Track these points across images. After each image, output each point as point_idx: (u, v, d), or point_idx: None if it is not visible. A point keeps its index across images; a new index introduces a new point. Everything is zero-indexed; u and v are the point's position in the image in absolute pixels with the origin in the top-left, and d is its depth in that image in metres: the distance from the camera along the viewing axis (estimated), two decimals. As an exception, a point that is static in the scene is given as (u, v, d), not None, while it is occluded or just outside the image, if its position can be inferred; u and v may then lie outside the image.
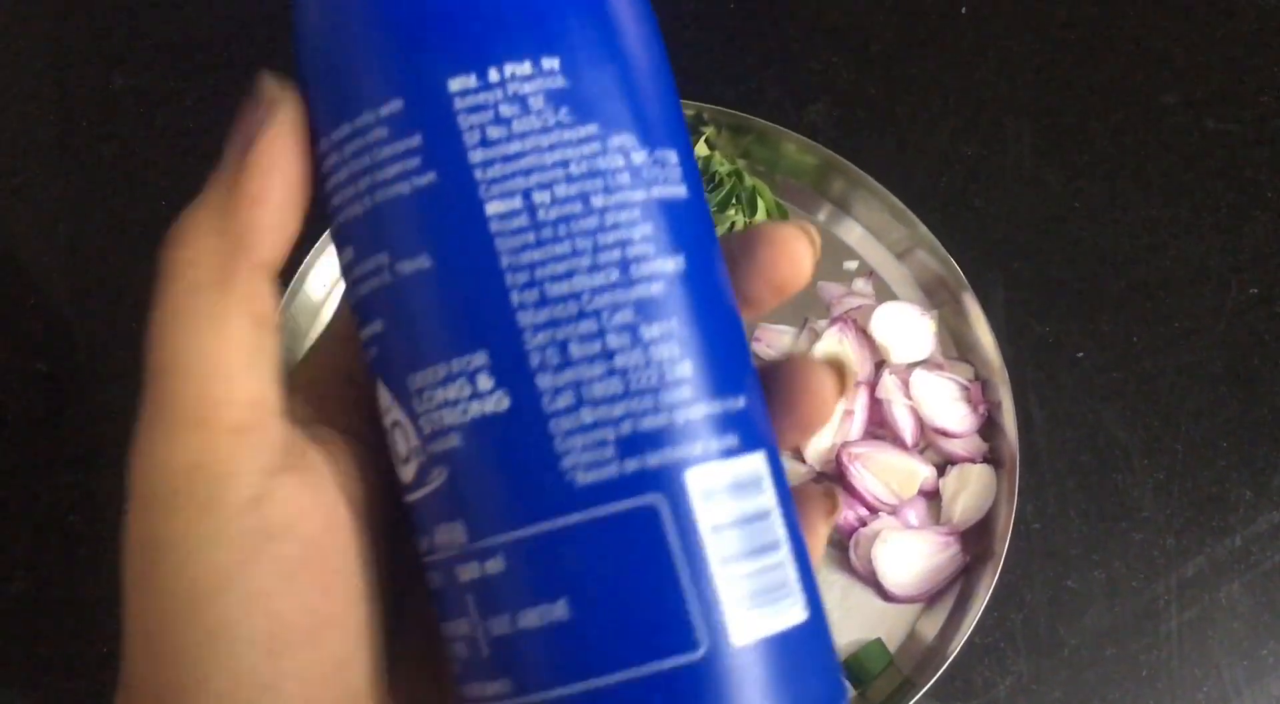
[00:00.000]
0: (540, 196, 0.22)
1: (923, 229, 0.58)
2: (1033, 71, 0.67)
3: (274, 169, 0.23)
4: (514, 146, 0.22)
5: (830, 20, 0.68)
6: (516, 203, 0.22)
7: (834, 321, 0.58)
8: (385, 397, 0.23)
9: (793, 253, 0.25)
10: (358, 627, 0.23)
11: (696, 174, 0.24)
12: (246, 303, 0.22)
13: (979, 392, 0.56)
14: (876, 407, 0.56)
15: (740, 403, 0.23)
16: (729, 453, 0.22)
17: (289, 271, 0.56)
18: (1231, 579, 0.56)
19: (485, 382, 0.21)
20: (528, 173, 0.22)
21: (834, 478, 0.55)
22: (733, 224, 0.57)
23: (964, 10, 0.68)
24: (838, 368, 0.26)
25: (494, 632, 0.22)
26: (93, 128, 0.65)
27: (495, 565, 0.21)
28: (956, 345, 0.58)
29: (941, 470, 0.56)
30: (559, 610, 0.21)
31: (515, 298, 0.21)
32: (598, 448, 0.21)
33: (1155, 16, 0.68)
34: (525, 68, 0.22)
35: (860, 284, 0.60)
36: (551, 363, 0.21)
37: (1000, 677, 0.54)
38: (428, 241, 0.22)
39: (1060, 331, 0.60)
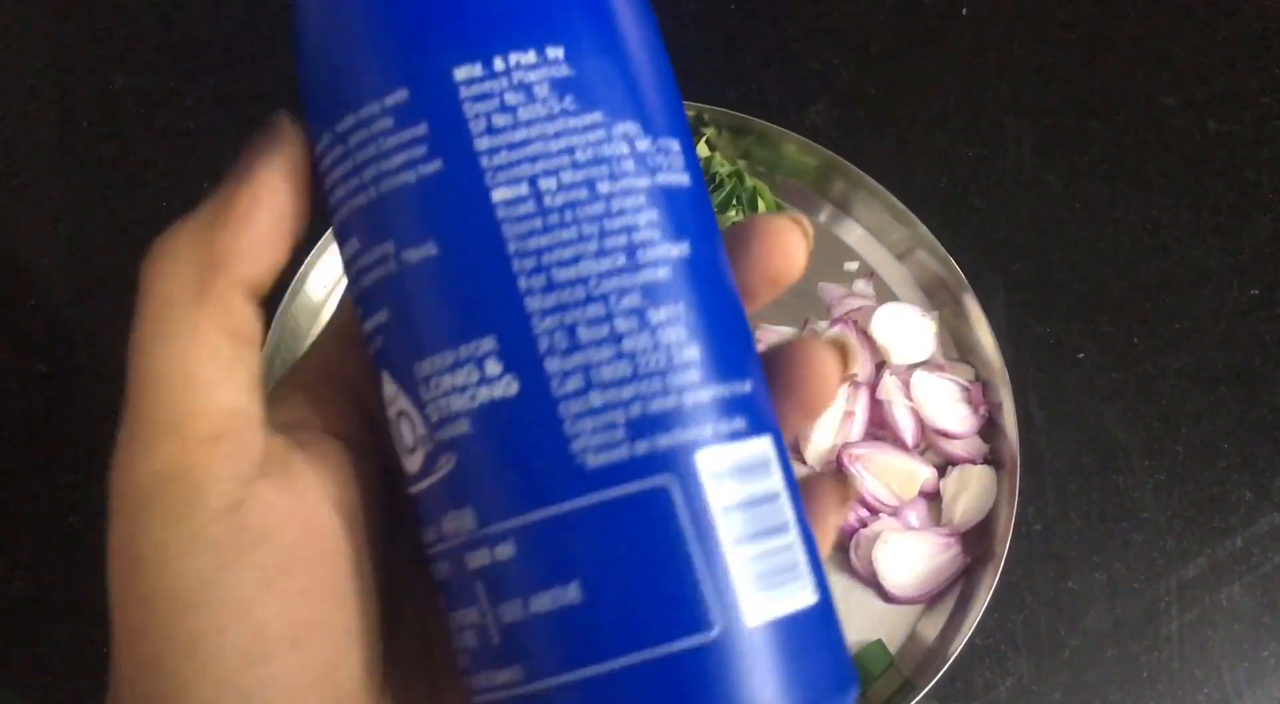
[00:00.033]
0: (546, 183, 0.22)
1: (923, 230, 0.58)
2: (1033, 72, 0.67)
3: (265, 196, 0.23)
4: (520, 134, 0.22)
5: (831, 21, 0.68)
6: (523, 189, 0.22)
7: (834, 322, 0.58)
8: (390, 387, 0.23)
9: (786, 245, 0.25)
10: (344, 632, 0.23)
11: (698, 165, 0.24)
12: (223, 317, 0.23)
13: (979, 393, 0.56)
14: (877, 408, 0.56)
15: (747, 387, 0.23)
16: (737, 435, 0.22)
17: (289, 272, 0.56)
18: (1232, 581, 0.56)
19: (494, 366, 0.22)
20: (534, 160, 0.22)
21: (834, 478, 0.55)
22: (733, 225, 0.57)
23: (964, 11, 0.68)
24: (841, 348, 0.26)
25: (505, 618, 0.21)
26: (93, 128, 0.65)
27: (506, 550, 0.21)
28: (957, 346, 0.58)
29: (942, 471, 0.56)
30: (571, 594, 0.21)
31: (523, 283, 0.22)
32: (608, 430, 0.21)
33: (1156, 17, 0.68)
34: (530, 57, 0.22)
35: (861, 285, 0.60)
36: (560, 347, 0.21)
37: (1001, 678, 0.54)
38: (434, 229, 0.22)
39: (1061, 332, 0.60)
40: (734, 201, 0.59)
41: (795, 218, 0.26)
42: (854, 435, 0.56)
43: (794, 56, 0.66)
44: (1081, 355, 0.60)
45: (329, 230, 0.24)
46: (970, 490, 0.54)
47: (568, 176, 0.22)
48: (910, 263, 0.60)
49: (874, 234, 0.61)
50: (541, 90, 0.22)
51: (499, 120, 0.22)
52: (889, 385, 0.56)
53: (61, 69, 0.66)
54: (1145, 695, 0.54)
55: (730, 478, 0.22)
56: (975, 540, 0.54)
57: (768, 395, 0.24)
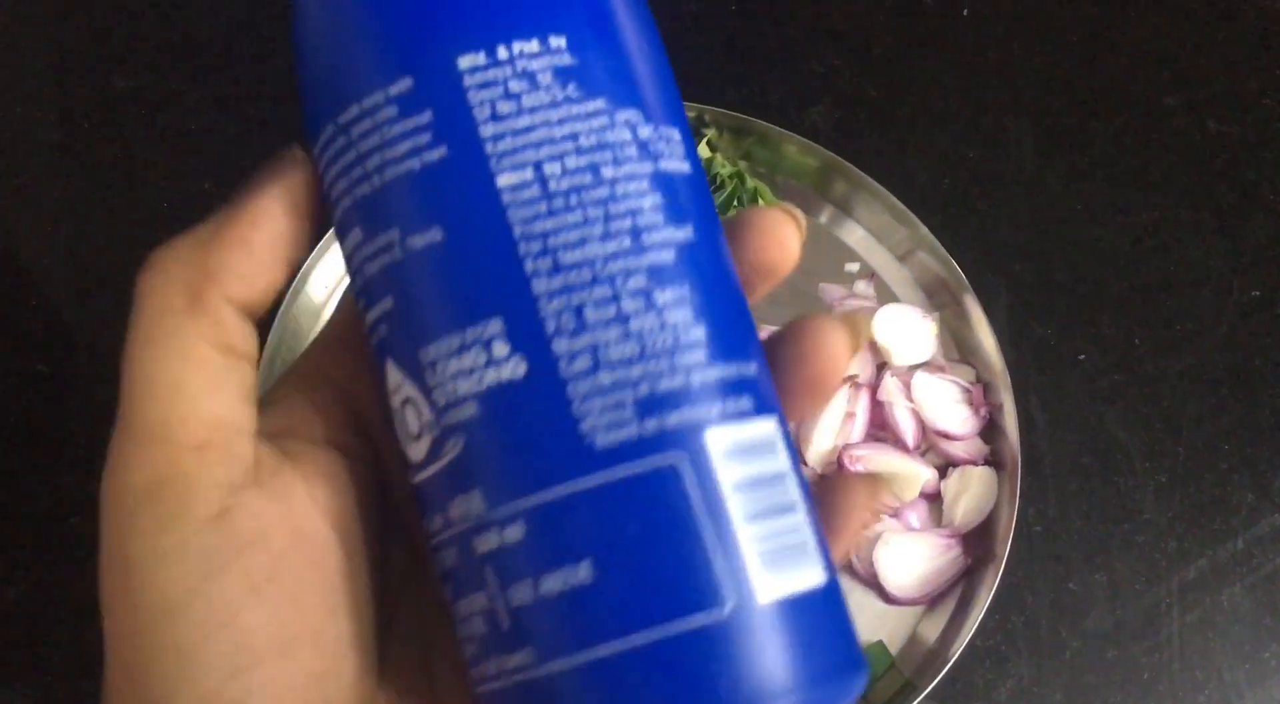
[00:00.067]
0: (551, 168, 0.22)
1: (924, 231, 0.58)
2: (1034, 73, 0.67)
3: (266, 219, 0.23)
4: (524, 121, 0.22)
5: (832, 22, 0.68)
6: (528, 174, 0.22)
7: (835, 323, 0.58)
8: (395, 375, 0.23)
9: (780, 236, 0.25)
10: (334, 639, 0.23)
11: (696, 154, 0.25)
12: (214, 330, 0.23)
13: (980, 394, 0.56)
14: (878, 409, 0.56)
15: (752, 369, 0.23)
16: (744, 415, 0.22)
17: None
18: (1233, 582, 0.56)
19: (501, 348, 0.22)
20: (538, 145, 0.22)
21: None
22: (726, 218, 0.57)
23: (965, 12, 0.68)
24: (850, 325, 0.26)
25: (515, 601, 0.21)
26: (94, 129, 0.65)
27: (515, 532, 0.21)
28: (958, 347, 0.58)
29: (943, 473, 0.56)
30: (582, 573, 0.21)
31: (529, 266, 0.22)
32: (617, 409, 0.21)
33: (1157, 18, 0.68)
34: (533, 45, 0.22)
35: (862, 286, 0.60)
36: (568, 327, 0.22)
37: (1001, 679, 0.54)
38: (439, 215, 0.22)
39: (1062, 334, 0.60)
40: (735, 202, 0.59)
41: (787, 208, 0.26)
42: (855, 437, 0.56)
43: (795, 58, 0.66)
44: (1082, 356, 0.60)
45: (329, 231, 0.24)
46: (971, 492, 0.54)
47: (572, 162, 0.22)
48: (911, 264, 0.60)
49: (875, 235, 0.61)
50: (545, 78, 0.22)
51: (503, 107, 0.22)
52: (890, 387, 0.56)
53: (62, 69, 0.66)
54: (1146, 697, 0.54)
55: (739, 456, 0.22)
56: (976, 542, 0.54)
57: (770, 380, 0.24)
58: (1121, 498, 0.57)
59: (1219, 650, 0.55)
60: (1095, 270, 0.62)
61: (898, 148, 0.64)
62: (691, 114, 0.60)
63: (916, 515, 0.55)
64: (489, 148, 0.22)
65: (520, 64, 0.22)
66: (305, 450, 0.24)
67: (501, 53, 0.22)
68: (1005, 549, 0.52)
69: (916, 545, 0.54)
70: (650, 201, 0.23)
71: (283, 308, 0.56)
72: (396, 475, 0.26)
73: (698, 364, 0.22)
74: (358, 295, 0.24)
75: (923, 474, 0.55)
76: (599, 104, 0.23)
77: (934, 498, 0.56)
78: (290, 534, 0.23)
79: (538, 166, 0.22)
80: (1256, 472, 0.58)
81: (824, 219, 0.61)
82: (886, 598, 0.54)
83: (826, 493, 0.26)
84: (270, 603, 0.22)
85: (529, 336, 0.22)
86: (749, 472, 0.22)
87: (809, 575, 0.22)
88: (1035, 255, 0.62)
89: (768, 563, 0.21)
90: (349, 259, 0.24)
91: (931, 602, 0.54)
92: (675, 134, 0.24)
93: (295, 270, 0.24)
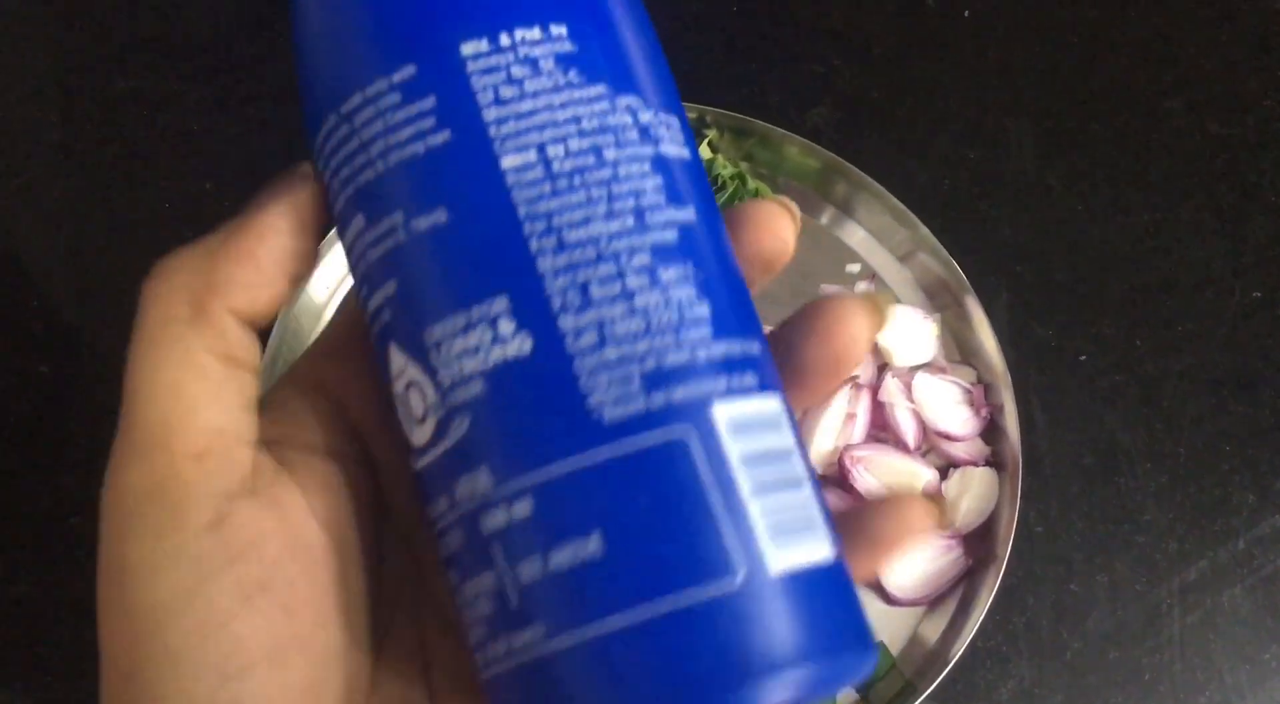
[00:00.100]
0: (554, 150, 0.22)
1: (925, 232, 0.58)
2: (1035, 74, 0.67)
3: (273, 234, 0.24)
4: (526, 104, 0.22)
5: (833, 23, 0.68)
6: (531, 156, 0.22)
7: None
8: (398, 359, 0.23)
9: (775, 228, 0.26)
10: (326, 649, 0.23)
11: (694, 144, 0.25)
12: (216, 340, 0.23)
13: (981, 395, 0.56)
14: (879, 410, 0.56)
15: (755, 348, 0.23)
16: (749, 391, 0.23)
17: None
18: (1234, 583, 0.56)
19: (507, 326, 0.22)
20: (541, 128, 0.22)
21: (836, 481, 0.55)
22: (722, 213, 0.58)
23: (966, 13, 0.68)
24: (872, 303, 0.26)
25: (524, 577, 0.21)
26: (95, 130, 0.65)
27: (523, 508, 0.21)
28: (959, 348, 0.58)
29: (944, 474, 0.56)
30: (592, 546, 0.21)
31: (534, 244, 0.22)
32: (624, 383, 0.21)
33: (1157, 20, 0.68)
34: (535, 33, 0.23)
35: (863, 287, 0.60)
36: (573, 304, 0.22)
37: (1002, 680, 0.54)
38: (443, 196, 0.22)
39: (1063, 335, 0.60)
40: (736, 204, 0.59)
41: (781, 201, 0.26)
42: (856, 437, 0.56)
43: (796, 59, 0.66)
44: (1083, 357, 0.60)
45: (330, 233, 0.24)
46: (972, 493, 0.54)
47: (575, 144, 0.22)
48: (912, 265, 0.60)
49: (876, 236, 0.61)
50: (546, 64, 0.23)
51: (506, 92, 0.22)
52: (891, 387, 0.56)
53: (64, 70, 0.66)
54: (1147, 698, 0.54)
55: (745, 430, 0.22)
56: (977, 543, 0.54)
57: (773, 362, 0.24)
58: (1122, 499, 0.57)
59: (1220, 651, 0.55)
60: (1096, 271, 0.62)
61: (899, 149, 0.64)
62: (693, 115, 0.60)
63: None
64: (492, 131, 0.22)
65: (522, 51, 0.23)
66: (302, 460, 0.25)
67: (504, 40, 0.23)
68: (1006, 550, 0.52)
69: (917, 546, 0.54)
70: (652, 183, 0.23)
71: (284, 309, 0.56)
72: (392, 485, 0.26)
73: (703, 340, 0.22)
74: (359, 283, 0.24)
75: (924, 475, 0.55)
76: (600, 89, 0.23)
77: (935, 499, 0.55)
78: (285, 543, 0.23)
79: (541, 148, 0.22)
80: (1257, 472, 0.58)
81: (825, 220, 0.61)
82: (887, 599, 0.54)
83: (880, 511, 0.26)
84: (262, 611, 0.22)
85: (535, 313, 0.22)
86: (756, 445, 0.22)
87: (818, 550, 0.22)
88: (1036, 256, 0.62)
89: (777, 535, 0.22)
90: (350, 248, 0.24)
91: (932, 603, 0.54)
92: (674, 121, 0.24)
93: (298, 285, 0.25)
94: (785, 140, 0.60)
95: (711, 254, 0.23)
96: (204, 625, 0.22)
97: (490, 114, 0.22)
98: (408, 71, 0.23)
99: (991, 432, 0.56)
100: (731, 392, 0.22)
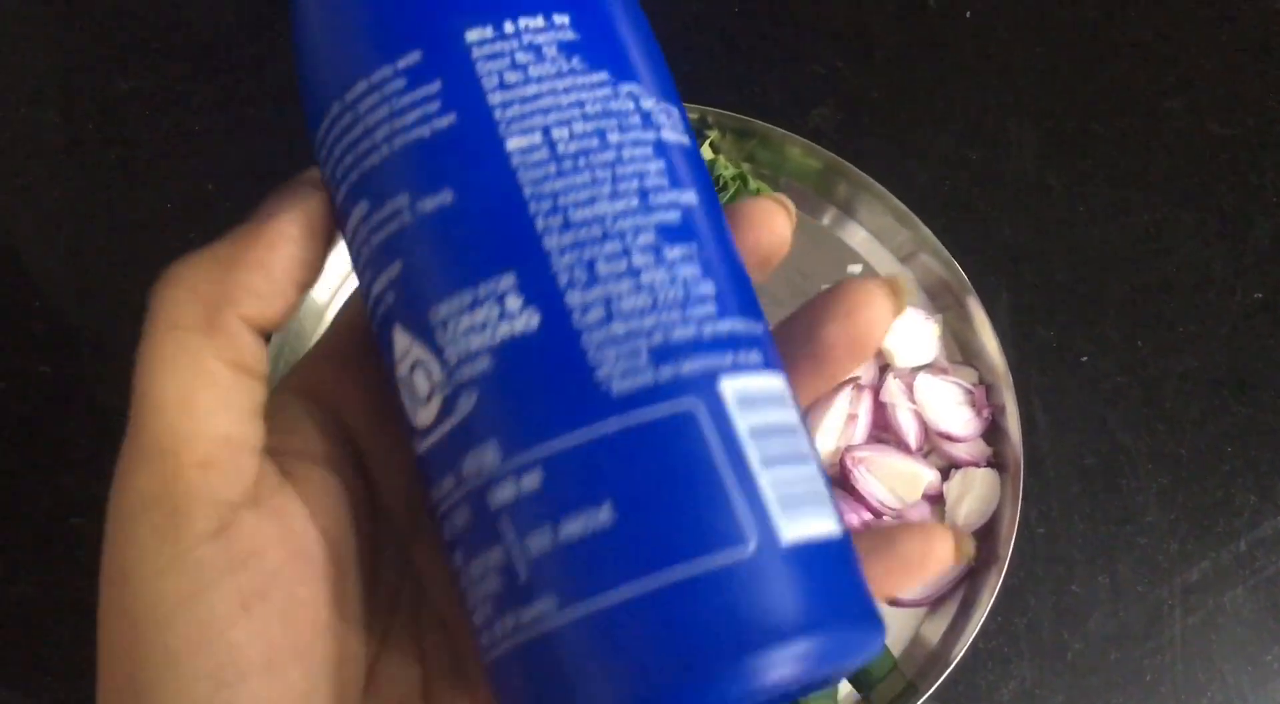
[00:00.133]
0: (559, 132, 0.23)
1: (926, 233, 0.58)
2: (1036, 75, 0.67)
3: (284, 242, 0.24)
4: (531, 89, 0.23)
5: (834, 24, 0.68)
6: (536, 138, 0.23)
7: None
8: (403, 341, 0.23)
9: (773, 225, 0.26)
10: (322, 658, 0.23)
11: (693, 133, 0.26)
12: (226, 348, 0.23)
13: (983, 395, 0.56)
14: (880, 410, 0.56)
15: (758, 329, 0.24)
16: (755, 367, 0.23)
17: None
18: (1236, 584, 0.56)
19: (514, 302, 0.22)
20: (546, 112, 0.23)
21: (838, 482, 0.55)
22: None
23: (968, 14, 0.68)
24: (893, 286, 0.26)
25: (534, 550, 0.21)
26: (97, 130, 0.65)
27: (532, 480, 0.22)
28: (961, 349, 0.58)
29: (945, 474, 0.56)
30: (604, 516, 0.21)
31: (540, 223, 0.22)
32: (632, 357, 0.22)
33: (1159, 20, 0.68)
34: (538, 21, 0.23)
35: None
36: (580, 280, 0.22)
37: (1004, 681, 0.54)
38: (450, 178, 0.23)
39: (1064, 335, 0.60)
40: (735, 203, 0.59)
41: (777, 197, 0.27)
42: (857, 438, 0.56)
43: (797, 59, 0.66)
44: (1085, 358, 0.60)
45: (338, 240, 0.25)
46: (973, 493, 0.54)
47: (579, 127, 0.23)
48: (913, 266, 0.60)
49: (877, 237, 0.60)
50: (550, 51, 0.23)
51: (510, 77, 0.23)
52: (892, 388, 0.56)
53: (66, 71, 0.66)
54: (1148, 699, 0.54)
55: (752, 404, 0.22)
56: (978, 543, 0.54)
57: (774, 344, 0.24)
58: (1124, 500, 0.57)
59: (1221, 652, 0.55)
60: (1097, 272, 0.62)
61: (900, 149, 0.64)
62: (694, 116, 0.60)
63: (919, 517, 0.55)
64: (498, 114, 0.23)
65: (526, 38, 0.23)
66: (304, 470, 0.25)
67: (508, 27, 0.23)
68: (1008, 551, 0.52)
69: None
70: (655, 166, 0.23)
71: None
72: (387, 491, 0.26)
73: (708, 316, 0.23)
74: (361, 270, 0.24)
75: (925, 476, 0.55)
76: (602, 76, 0.23)
77: (936, 500, 0.55)
78: (285, 553, 0.23)
79: (546, 131, 0.23)
80: (1259, 474, 0.58)
81: (826, 221, 0.61)
82: (889, 600, 0.54)
83: (906, 535, 0.26)
84: (260, 620, 0.22)
85: (541, 290, 0.22)
86: (763, 419, 0.22)
87: (826, 524, 0.22)
88: (1037, 257, 0.62)
89: (787, 506, 0.22)
90: (352, 237, 0.24)
91: (934, 603, 0.54)
92: (674, 111, 0.25)
93: (307, 293, 0.25)
94: (786, 141, 0.60)
95: (713, 237, 0.24)
96: (203, 632, 0.22)
97: (495, 98, 0.23)
98: (413, 57, 0.23)
99: (993, 432, 0.56)
100: (738, 367, 0.22)
